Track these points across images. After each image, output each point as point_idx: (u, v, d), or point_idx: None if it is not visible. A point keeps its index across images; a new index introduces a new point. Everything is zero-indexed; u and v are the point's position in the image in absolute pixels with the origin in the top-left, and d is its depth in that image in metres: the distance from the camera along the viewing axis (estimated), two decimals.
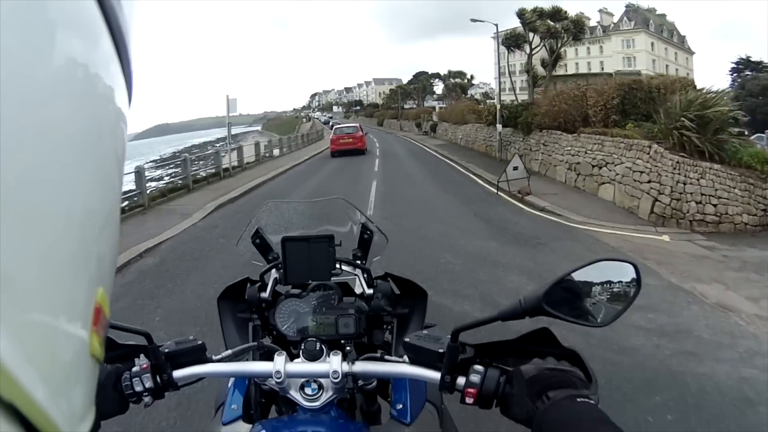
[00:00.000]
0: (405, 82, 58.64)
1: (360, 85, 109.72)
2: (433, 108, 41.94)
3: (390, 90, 57.85)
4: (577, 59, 58.05)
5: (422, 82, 48.70)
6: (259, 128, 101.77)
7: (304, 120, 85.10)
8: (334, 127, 26.23)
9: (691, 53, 61.49)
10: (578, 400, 0.69)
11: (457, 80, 32.51)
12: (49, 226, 0.25)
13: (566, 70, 58.79)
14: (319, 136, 37.50)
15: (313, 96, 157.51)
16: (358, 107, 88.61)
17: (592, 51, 57.16)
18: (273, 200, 1.52)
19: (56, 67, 0.26)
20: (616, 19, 58.14)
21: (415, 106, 54.09)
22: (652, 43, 54.95)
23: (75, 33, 0.28)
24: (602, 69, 56.19)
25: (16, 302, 0.22)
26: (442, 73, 47.31)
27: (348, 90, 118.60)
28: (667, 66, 54.20)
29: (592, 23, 58.61)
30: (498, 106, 16.82)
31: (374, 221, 1.35)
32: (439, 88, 55.54)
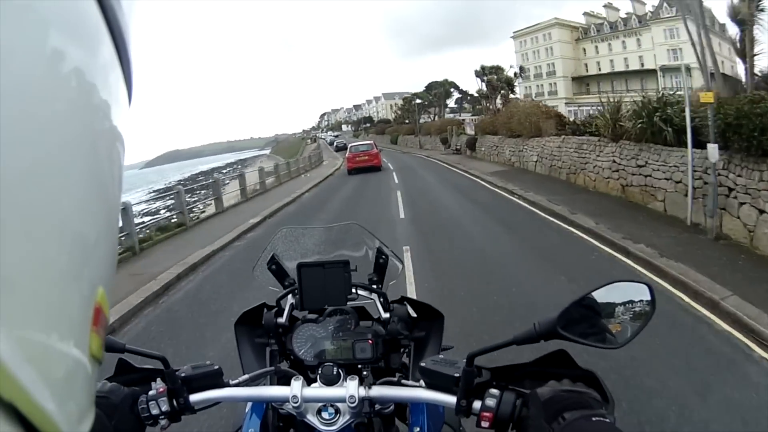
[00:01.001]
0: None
1: (369, 102, 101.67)
2: (460, 120, 32.62)
3: (404, 100, 48.84)
4: (611, 55, 48.69)
5: (444, 87, 39.48)
6: (268, 152, 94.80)
7: (309, 141, 77.63)
8: (350, 146, 24.83)
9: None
10: (594, 419, 0.67)
11: (494, 76, 23.27)
12: (48, 227, 0.25)
13: (599, 69, 50.22)
14: (316, 161, 29.77)
15: (322, 116, 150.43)
16: (367, 124, 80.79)
17: (628, 45, 47.40)
18: (288, 226, 1.50)
19: (56, 67, 0.26)
20: (649, 8, 48.25)
21: (430, 119, 45.06)
22: (699, 33, 45.12)
23: (75, 34, 0.28)
24: (642, 65, 46.86)
25: (16, 302, 0.22)
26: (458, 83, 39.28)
27: (357, 107, 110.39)
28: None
29: (623, 14, 49.59)
30: (707, 96, 6.11)
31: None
32: (451, 101, 46.84)
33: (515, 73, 23.87)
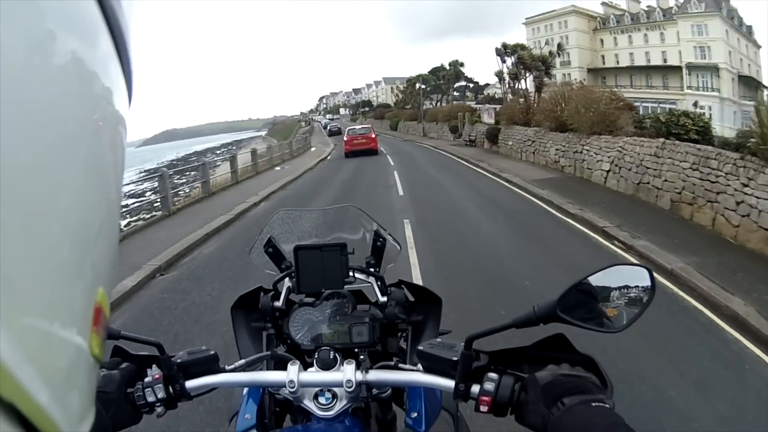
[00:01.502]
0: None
1: (369, 86, 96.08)
2: (473, 107, 27.82)
3: (408, 82, 43.34)
4: (631, 48, 44.04)
5: (454, 67, 34.03)
6: (263, 134, 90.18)
7: (303, 124, 72.74)
8: (347, 129, 24.39)
9: (758, 47, 46.77)
10: (593, 405, 0.67)
11: (525, 52, 18.31)
12: (48, 227, 0.25)
13: (617, 62, 45.79)
14: (300, 147, 25.48)
15: (321, 99, 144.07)
16: (366, 108, 75.20)
17: (650, 38, 42.67)
18: (284, 208, 1.45)
19: (54, 66, 0.26)
20: (672, 2, 43.42)
21: (432, 106, 40.06)
22: (726, 31, 40.42)
23: (74, 32, 0.28)
24: (664, 60, 42.22)
25: (16, 302, 0.22)
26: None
27: (356, 91, 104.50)
28: (741, 60, 39.78)
29: (643, 6, 44.80)
30: None
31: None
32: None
33: (550, 52, 18.82)
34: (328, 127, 45.24)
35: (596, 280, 0.78)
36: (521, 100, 17.22)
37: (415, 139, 29.41)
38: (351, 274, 1.18)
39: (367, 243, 1.31)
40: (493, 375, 0.80)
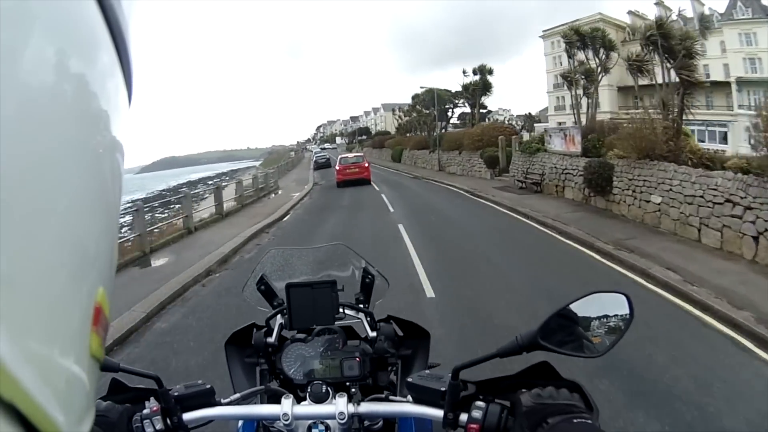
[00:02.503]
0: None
1: (367, 113, 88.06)
2: (514, 127, 19.45)
3: (412, 99, 34.31)
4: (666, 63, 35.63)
5: (483, 75, 25.33)
6: (258, 164, 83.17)
7: (292, 154, 66.56)
8: (339, 157, 23.11)
9: None
10: (575, 421, 0.68)
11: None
12: (49, 227, 0.25)
13: (651, 78, 38.40)
14: (259, 191, 17.34)
15: (318, 128, 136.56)
16: (363, 136, 67.12)
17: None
18: (276, 248, 1.49)
19: (57, 71, 0.26)
20: (708, 9, 35.31)
21: (443, 129, 31.42)
22: None
23: (76, 37, 0.28)
24: (707, 75, 34.07)
25: (17, 302, 0.22)
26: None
27: (354, 119, 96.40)
28: None
29: (674, 15, 36.83)
30: None
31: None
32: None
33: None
34: (315, 158, 37.23)
35: (576, 307, 0.79)
36: (656, 114, 8.91)
37: (430, 177, 21.02)
38: (341, 310, 1.20)
39: (356, 280, 1.33)
40: (480, 403, 0.82)
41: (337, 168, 21.19)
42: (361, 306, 1.27)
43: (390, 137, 42.64)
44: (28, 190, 0.23)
